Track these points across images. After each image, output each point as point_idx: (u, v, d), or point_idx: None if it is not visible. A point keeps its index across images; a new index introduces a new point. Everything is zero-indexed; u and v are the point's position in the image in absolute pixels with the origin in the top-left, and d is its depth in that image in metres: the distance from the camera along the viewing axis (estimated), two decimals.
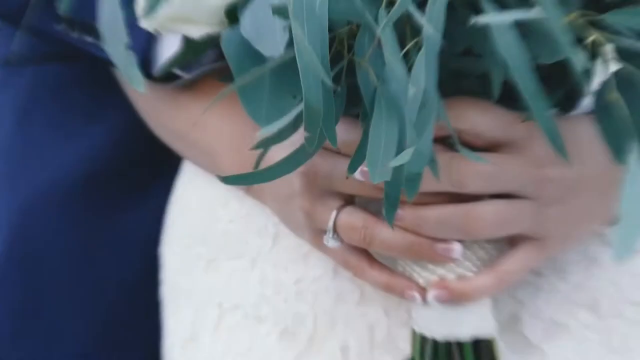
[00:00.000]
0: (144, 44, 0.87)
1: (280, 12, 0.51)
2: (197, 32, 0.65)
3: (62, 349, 1.06)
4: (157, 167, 1.09)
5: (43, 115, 1.11)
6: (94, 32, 0.91)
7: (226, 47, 0.61)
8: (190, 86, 0.91)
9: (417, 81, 0.46)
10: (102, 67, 0.99)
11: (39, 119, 1.11)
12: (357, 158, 0.56)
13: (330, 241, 0.71)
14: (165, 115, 0.94)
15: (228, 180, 0.63)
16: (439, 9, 0.46)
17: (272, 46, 0.55)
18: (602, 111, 0.62)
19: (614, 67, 0.51)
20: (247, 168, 0.83)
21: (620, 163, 0.65)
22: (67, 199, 1.08)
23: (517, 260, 0.70)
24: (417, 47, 0.54)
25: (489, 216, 0.67)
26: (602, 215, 0.75)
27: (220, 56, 0.78)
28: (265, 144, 0.59)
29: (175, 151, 0.99)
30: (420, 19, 0.46)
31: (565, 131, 0.65)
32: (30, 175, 1.10)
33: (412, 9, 0.45)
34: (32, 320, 1.06)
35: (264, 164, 0.71)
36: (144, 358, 1.07)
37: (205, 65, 0.92)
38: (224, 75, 0.78)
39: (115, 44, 0.53)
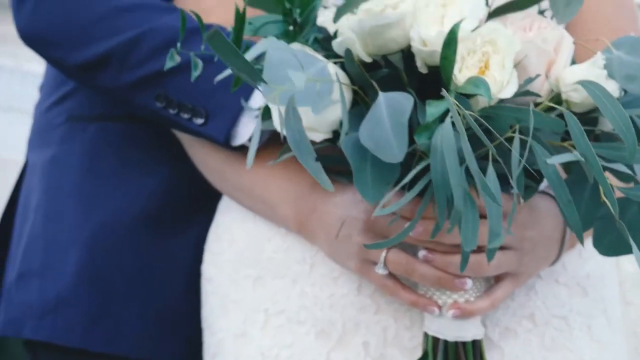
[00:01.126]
0: (229, 126, 1.04)
1: (424, 145, 0.70)
2: (318, 137, 0.83)
3: (126, 337, 1.19)
4: (197, 205, 1.27)
5: (105, 166, 1.28)
6: (191, 111, 1.05)
7: (345, 148, 0.79)
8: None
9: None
10: (184, 131, 1.12)
11: (102, 170, 1.28)
12: (436, 228, 0.76)
13: (380, 270, 0.91)
14: (230, 173, 1.10)
15: (370, 246, 0.82)
16: (515, 150, 0.67)
17: (392, 155, 0.74)
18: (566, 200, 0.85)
19: None
20: (301, 217, 1.03)
21: (573, 231, 0.89)
22: (128, 229, 1.25)
23: (503, 290, 0.93)
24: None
25: (492, 262, 0.89)
26: (551, 259, 0.99)
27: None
28: (392, 222, 0.79)
29: (231, 198, 1.14)
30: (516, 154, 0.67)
31: (536, 203, 0.89)
32: (98, 210, 1.27)
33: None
34: (103, 317, 1.19)
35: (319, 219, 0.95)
36: (186, 343, 1.22)
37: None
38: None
39: (305, 157, 0.71)
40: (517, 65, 0.82)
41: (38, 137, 1.37)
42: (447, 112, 0.73)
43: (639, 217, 0.87)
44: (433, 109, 0.72)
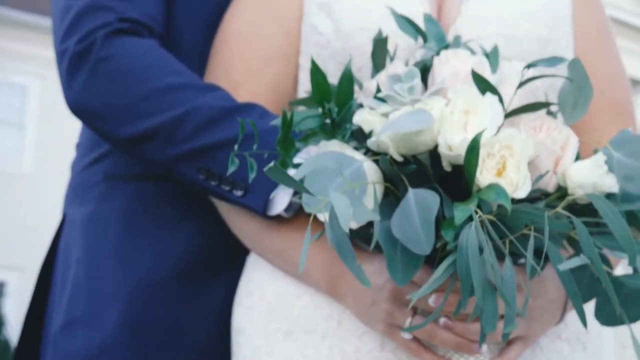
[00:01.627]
0: (267, 198, 1.16)
1: (451, 245, 0.83)
2: (354, 225, 0.96)
3: None
4: (225, 259, 1.40)
5: (141, 225, 1.41)
6: (231, 184, 1.17)
7: (380, 236, 0.91)
8: (287, 221, 1.19)
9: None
10: (227, 201, 1.25)
11: (138, 228, 1.40)
12: (458, 307, 0.88)
13: (406, 335, 1.03)
14: (266, 238, 1.23)
15: (408, 329, 0.98)
16: (531, 246, 0.80)
17: (421, 249, 0.86)
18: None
19: None
20: (332, 280, 1.16)
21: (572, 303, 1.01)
22: (161, 284, 1.38)
23: (514, 352, 1.06)
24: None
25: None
26: (555, 321, 1.12)
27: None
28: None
29: (264, 259, 1.27)
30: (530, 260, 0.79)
31: (542, 273, 1.02)
32: (135, 267, 1.39)
33: None
34: None
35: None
36: None
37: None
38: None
39: (347, 258, 0.84)
40: (529, 163, 0.95)
41: (75, 194, 1.48)
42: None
43: (634, 293, 1.01)
44: (460, 213, 0.85)
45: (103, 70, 1.23)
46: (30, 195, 15.33)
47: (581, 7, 1.32)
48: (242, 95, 1.26)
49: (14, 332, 12.06)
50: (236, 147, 0.91)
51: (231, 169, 0.93)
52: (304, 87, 1.27)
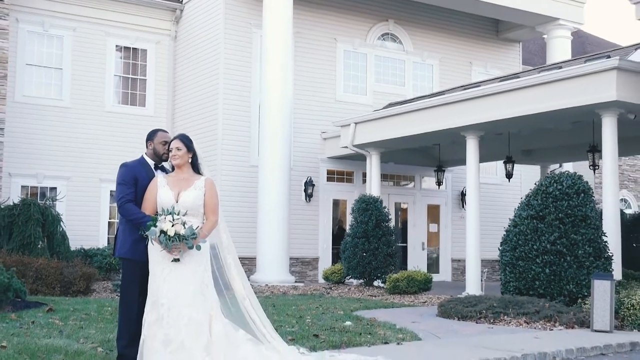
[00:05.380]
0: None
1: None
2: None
3: None
4: None
5: None
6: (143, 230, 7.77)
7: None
8: None
9: None
10: None
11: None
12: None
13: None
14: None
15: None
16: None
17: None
18: None
19: None
20: None
21: None
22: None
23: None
24: None
25: None
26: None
27: None
28: None
29: None
30: None
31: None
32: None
33: None
34: None
35: None
36: None
37: None
38: None
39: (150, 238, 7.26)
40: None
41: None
42: None
43: None
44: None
45: (123, 210, 7.61)
46: (68, 121, 21.12)
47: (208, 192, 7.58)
48: (146, 211, 7.55)
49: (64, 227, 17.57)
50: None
51: (142, 232, 7.25)
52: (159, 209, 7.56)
